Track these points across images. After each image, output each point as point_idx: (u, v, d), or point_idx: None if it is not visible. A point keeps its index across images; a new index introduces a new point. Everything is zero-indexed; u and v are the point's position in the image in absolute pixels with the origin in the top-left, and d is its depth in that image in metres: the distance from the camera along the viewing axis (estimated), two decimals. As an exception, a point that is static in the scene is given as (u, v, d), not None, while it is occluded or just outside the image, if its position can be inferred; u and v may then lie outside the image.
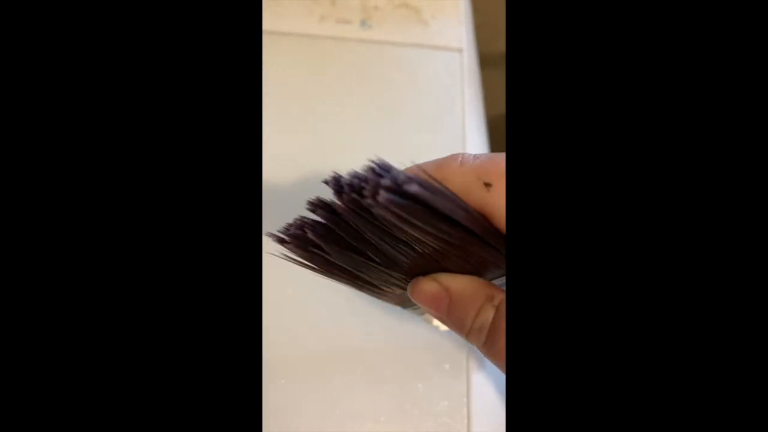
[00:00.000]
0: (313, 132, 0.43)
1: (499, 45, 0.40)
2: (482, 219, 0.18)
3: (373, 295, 0.26)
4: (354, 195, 0.17)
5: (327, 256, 0.21)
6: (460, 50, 0.48)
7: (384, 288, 0.23)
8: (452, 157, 0.19)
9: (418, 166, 0.20)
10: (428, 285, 0.20)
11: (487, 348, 0.19)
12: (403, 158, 0.42)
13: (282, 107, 0.43)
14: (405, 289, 0.22)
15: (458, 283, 0.19)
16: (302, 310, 0.37)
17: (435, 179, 0.18)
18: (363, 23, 0.47)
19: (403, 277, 0.21)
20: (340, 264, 0.21)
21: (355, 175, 0.17)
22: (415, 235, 0.17)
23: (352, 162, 0.42)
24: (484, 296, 0.19)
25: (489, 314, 0.18)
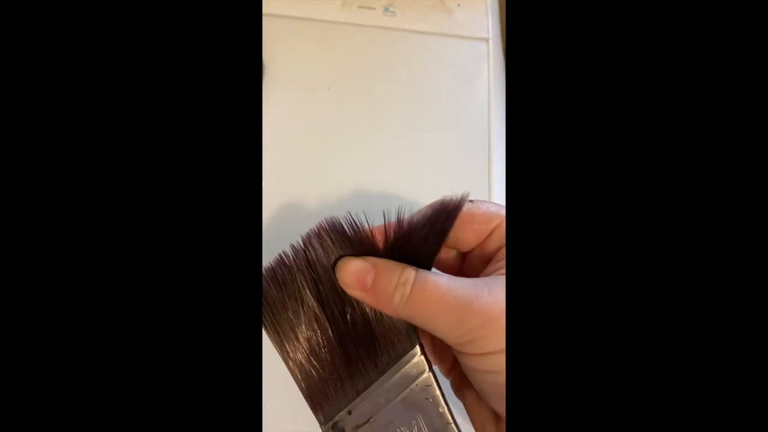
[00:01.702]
0: (332, 120, 0.41)
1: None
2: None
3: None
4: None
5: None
6: (486, 40, 0.46)
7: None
8: None
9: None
10: (354, 262, 0.23)
11: (409, 302, 0.21)
12: (424, 150, 0.41)
13: (301, 94, 0.42)
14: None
15: (380, 260, 0.23)
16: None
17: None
18: (386, 9, 0.45)
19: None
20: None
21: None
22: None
23: (371, 150, 0.40)
24: (403, 265, 0.22)
25: (411, 272, 0.22)
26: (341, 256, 0.23)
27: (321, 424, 0.24)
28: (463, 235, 0.24)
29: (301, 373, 0.24)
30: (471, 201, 0.24)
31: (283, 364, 0.24)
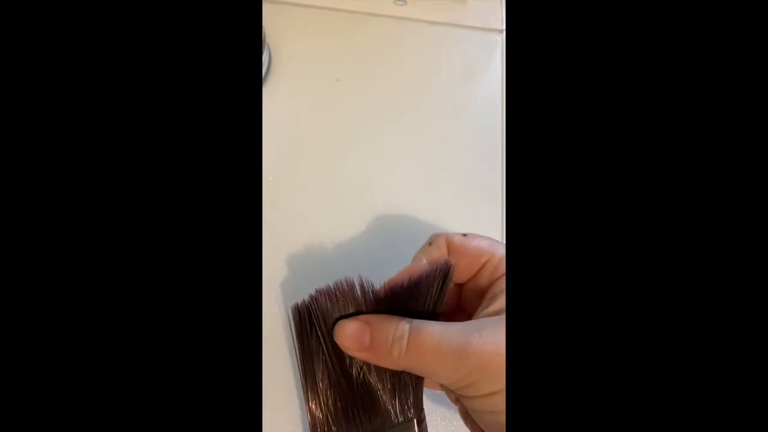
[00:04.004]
0: (341, 113, 0.40)
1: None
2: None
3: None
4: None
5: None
6: (499, 31, 0.44)
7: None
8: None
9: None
10: (350, 324, 0.23)
11: (407, 355, 0.22)
12: (435, 143, 0.40)
13: (309, 85, 0.40)
14: None
15: (375, 316, 0.24)
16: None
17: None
18: (397, -1, 0.44)
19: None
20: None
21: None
22: None
23: (381, 144, 0.39)
24: (397, 319, 0.23)
25: (405, 326, 0.22)
26: (338, 318, 0.24)
27: None
28: (456, 267, 0.25)
29: (317, 415, 0.24)
30: (464, 235, 0.26)
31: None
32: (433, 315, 0.24)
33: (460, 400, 0.24)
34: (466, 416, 0.26)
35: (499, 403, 0.21)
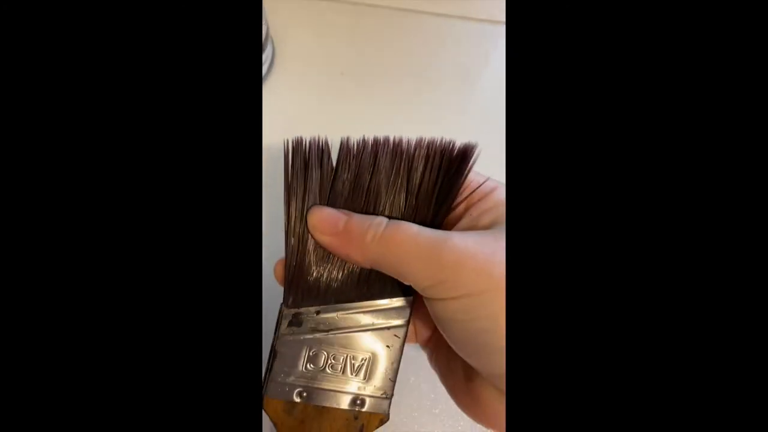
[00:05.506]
0: (345, 107, 0.40)
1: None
2: None
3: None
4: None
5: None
6: (505, 23, 0.44)
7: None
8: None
9: None
10: (327, 209, 0.23)
11: (381, 240, 0.21)
12: (439, 136, 0.39)
13: (312, 79, 0.40)
14: None
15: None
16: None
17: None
18: (402, -10, 0.44)
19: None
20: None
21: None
22: None
23: (385, 134, 0.39)
24: (374, 216, 0.23)
25: (383, 219, 0.22)
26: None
27: (285, 304, 0.23)
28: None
29: (297, 248, 0.23)
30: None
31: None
32: (435, 215, 0.23)
33: (430, 311, 0.22)
34: (432, 357, 0.26)
35: (471, 309, 0.19)
